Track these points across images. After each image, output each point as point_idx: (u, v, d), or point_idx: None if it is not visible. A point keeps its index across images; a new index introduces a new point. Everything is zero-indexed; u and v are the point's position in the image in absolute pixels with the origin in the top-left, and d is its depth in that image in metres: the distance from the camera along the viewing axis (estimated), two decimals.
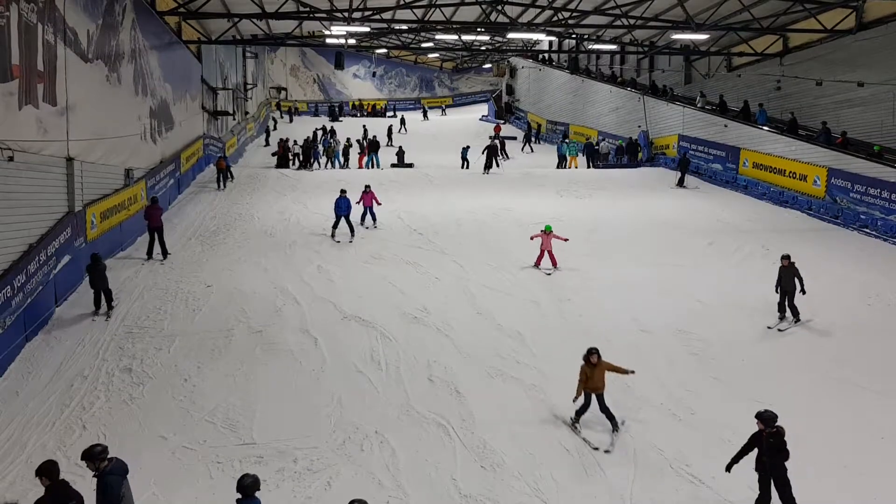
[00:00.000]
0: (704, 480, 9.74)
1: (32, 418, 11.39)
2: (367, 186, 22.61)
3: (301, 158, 34.46)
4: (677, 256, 19.60)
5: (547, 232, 18.13)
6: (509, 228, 22.56)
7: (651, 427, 11.22)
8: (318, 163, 33.45)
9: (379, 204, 22.59)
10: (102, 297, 15.53)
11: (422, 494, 9.49)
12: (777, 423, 8.84)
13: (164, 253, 19.17)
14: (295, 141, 36.97)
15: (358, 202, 22.05)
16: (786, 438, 8.77)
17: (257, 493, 7.36)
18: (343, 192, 21.52)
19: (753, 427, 10.95)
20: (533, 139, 43.93)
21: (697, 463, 10.13)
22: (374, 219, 22.41)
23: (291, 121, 55.54)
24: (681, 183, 29.10)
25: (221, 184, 28.48)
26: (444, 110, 63.33)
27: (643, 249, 20.21)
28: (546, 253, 18.13)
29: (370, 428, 11.08)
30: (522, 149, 41.67)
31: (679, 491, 9.60)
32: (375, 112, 61.70)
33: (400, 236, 21.48)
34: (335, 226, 21.14)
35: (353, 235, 21.05)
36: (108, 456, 7.56)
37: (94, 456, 7.45)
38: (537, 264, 18.25)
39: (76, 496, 7.29)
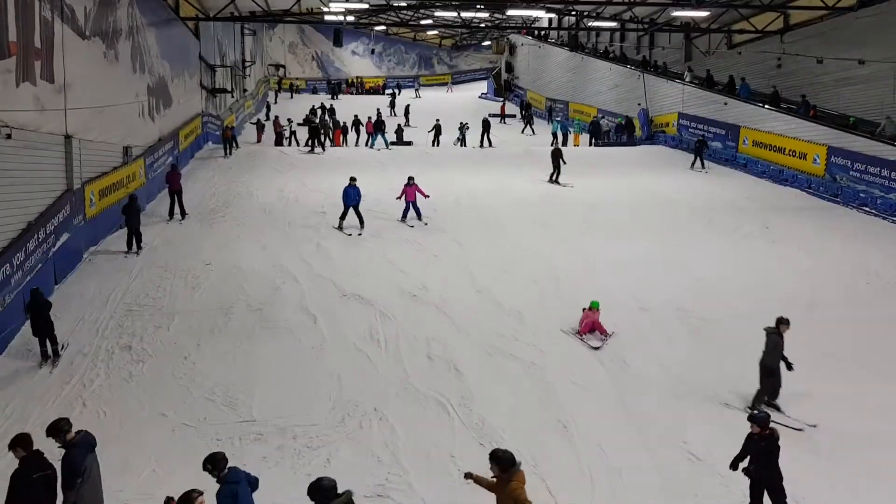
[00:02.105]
0: (702, 457, 9.79)
1: (33, 395, 11.43)
2: (411, 178, 20.60)
3: (309, 139, 32.44)
4: (677, 234, 19.61)
5: (594, 309, 13.73)
6: (509, 206, 22.53)
7: (649, 404, 11.27)
8: (322, 144, 32.29)
9: (426, 196, 20.71)
10: (134, 238, 17.78)
11: (420, 471, 9.54)
12: (771, 425, 8.42)
13: (183, 213, 20.89)
14: (289, 119, 36.55)
15: (399, 197, 20.57)
16: (780, 444, 8.32)
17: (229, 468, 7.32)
18: (352, 180, 20.09)
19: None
20: (533, 119, 41.67)
21: (696, 440, 10.18)
22: (418, 214, 20.43)
23: (292, 97, 55.68)
24: (700, 164, 28.16)
25: (228, 151, 30.42)
26: (417, 90, 59.56)
27: (642, 227, 20.21)
28: (592, 324, 13.69)
29: (369, 405, 11.12)
30: (523, 131, 40.18)
31: (677, 467, 9.65)
32: (373, 89, 61.32)
33: (399, 214, 21.39)
34: (343, 216, 19.76)
35: (362, 227, 19.62)
36: (76, 430, 7.71)
37: (58, 430, 7.60)
38: (581, 334, 13.57)
39: (50, 467, 7.43)
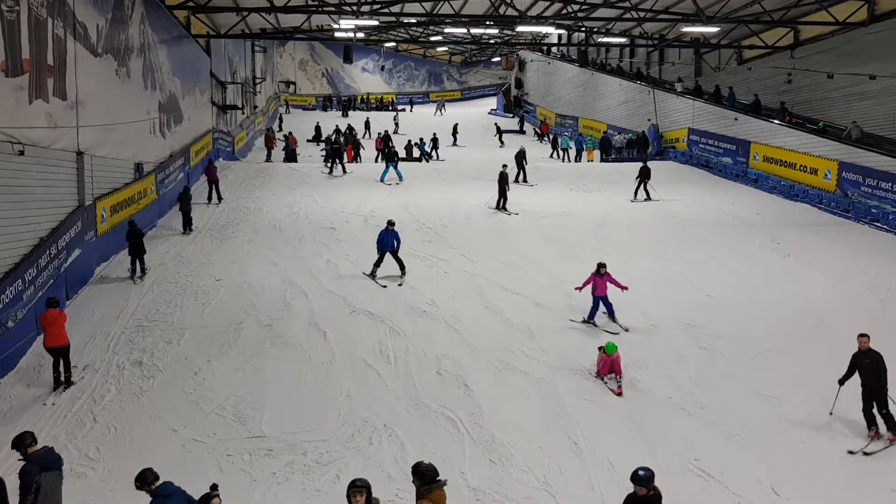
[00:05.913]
0: (713, 475, 9.72)
1: (43, 413, 11.45)
2: (602, 266, 14.73)
3: (326, 159, 31.50)
4: (686, 250, 19.54)
5: (608, 353, 12.62)
6: (518, 222, 22.52)
7: (660, 421, 11.21)
8: (343, 166, 30.39)
9: (624, 288, 14.79)
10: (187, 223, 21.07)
11: None
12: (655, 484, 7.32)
13: (219, 198, 24.72)
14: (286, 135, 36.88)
15: (580, 288, 14.94)
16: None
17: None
18: (390, 224, 17.57)
19: (763, 422, 11.04)
20: (558, 141, 38.99)
21: (706, 457, 10.11)
22: (611, 314, 14.92)
23: (325, 110, 57.26)
24: (645, 194, 25.65)
25: (270, 156, 34.73)
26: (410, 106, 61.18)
27: (652, 243, 20.16)
28: (611, 364, 12.63)
29: (379, 421, 11.11)
30: (551, 155, 38.44)
31: (688, 485, 9.58)
32: (382, 105, 61.45)
33: (408, 230, 21.37)
34: (377, 264, 17.30)
35: (403, 273, 17.31)
36: (38, 446, 7.98)
37: (21, 443, 7.92)
38: (600, 375, 12.61)
39: None
